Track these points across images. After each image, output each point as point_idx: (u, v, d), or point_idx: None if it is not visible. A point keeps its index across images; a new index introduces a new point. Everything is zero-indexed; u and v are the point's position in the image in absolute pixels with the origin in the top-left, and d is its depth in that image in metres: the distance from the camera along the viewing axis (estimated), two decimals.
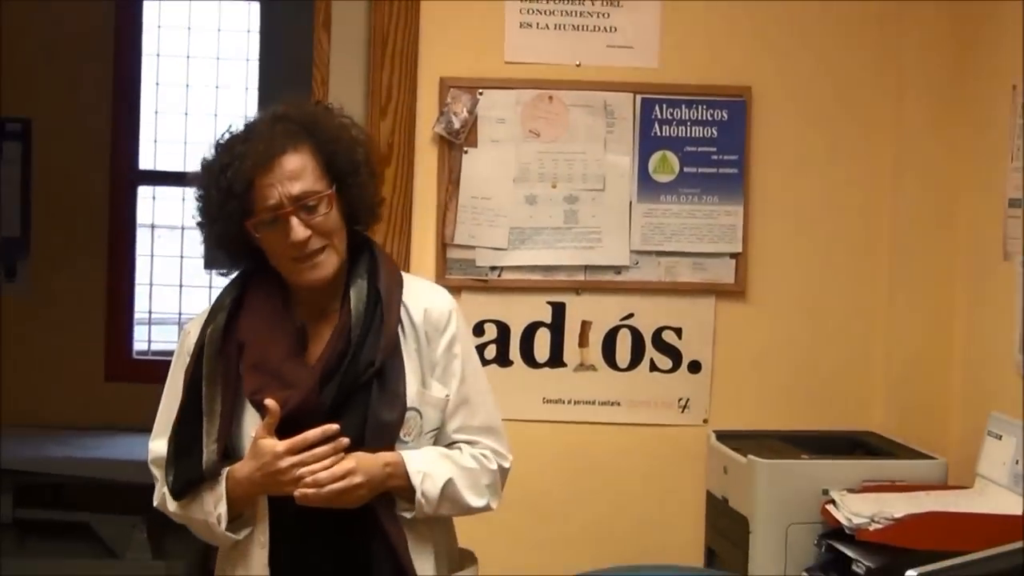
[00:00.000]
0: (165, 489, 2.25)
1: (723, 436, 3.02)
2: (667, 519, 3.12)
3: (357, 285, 2.22)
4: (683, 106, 3.10)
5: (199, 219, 2.25)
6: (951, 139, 3.10)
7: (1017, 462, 2.58)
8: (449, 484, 2.19)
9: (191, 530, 2.29)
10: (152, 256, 5.84)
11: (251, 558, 2.21)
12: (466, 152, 3.05)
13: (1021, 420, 2.62)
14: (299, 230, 2.13)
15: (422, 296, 2.29)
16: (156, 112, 5.77)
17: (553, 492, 3.11)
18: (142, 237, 5.80)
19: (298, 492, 2.09)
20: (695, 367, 3.14)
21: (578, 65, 3.08)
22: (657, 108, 3.09)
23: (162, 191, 5.82)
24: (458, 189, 3.06)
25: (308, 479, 2.09)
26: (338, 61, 3.10)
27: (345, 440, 2.11)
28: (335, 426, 2.11)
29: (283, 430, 2.14)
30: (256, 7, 5.50)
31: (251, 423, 2.18)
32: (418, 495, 2.16)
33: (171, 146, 5.76)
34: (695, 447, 3.10)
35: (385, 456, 2.16)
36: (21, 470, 5.00)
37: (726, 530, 2.91)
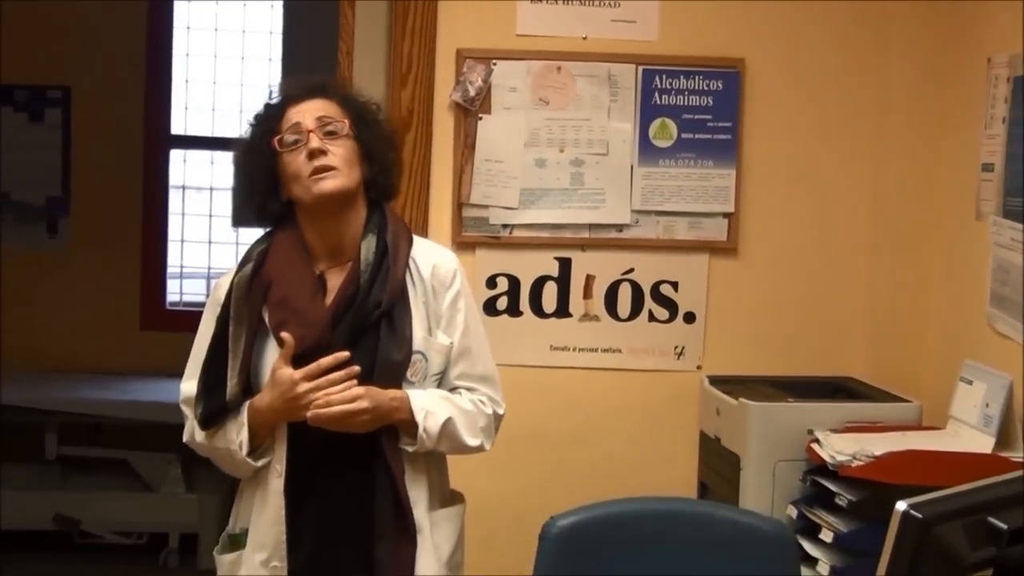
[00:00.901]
0: (194, 424, 2.30)
1: (715, 380, 3.03)
2: (663, 456, 3.13)
3: (367, 238, 2.29)
4: (681, 76, 3.09)
5: (236, 160, 2.34)
6: (930, 108, 3.09)
7: (987, 405, 2.60)
8: (449, 422, 2.25)
9: (214, 462, 2.35)
10: (183, 215, 5.84)
11: (268, 486, 2.26)
12: (480, 119, 3.04)
13: (991, 368, 2.64)
14: (316, 141, 2.23)
15: (430, 254, 2.36)
16: (186, 81, 5.74)
17: (559, 431, 3.13)
18: (174, 197, 5.79)
19: (310, 413, 2.15)
20: (690, 318, 3.15)
21: (584, 38, 3.06)
22: (657, 78, 3.08)
23: (192, 154, 5.79)
24: (473, 153, 3.05)
25: (320, 400, 2.15)
26: (361, 33, 3.07)
27: (356, 368, 2.17)
28: (346, 353, 2.18)
29: (299, 364, 2.21)
30: None
31: (270, 359, 2.24)
32: (420, 430, 2.22)
33: (200, 113, 5.74)
34: (689, 391, 3.11)
35: (392, 392, 2.22)
36: (64, 411, 5.02)
37: (718, 466, 2.93)
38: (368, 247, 2.26)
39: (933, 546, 1.47)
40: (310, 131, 2.23)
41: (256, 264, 2.29)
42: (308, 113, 2.26)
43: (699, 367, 3.14)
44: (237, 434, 2.24)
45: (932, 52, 3.08)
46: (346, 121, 2.27)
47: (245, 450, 2.23)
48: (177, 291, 5.85)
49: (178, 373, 5.47)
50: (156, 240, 5.70)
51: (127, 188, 5.58)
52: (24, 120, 5.49)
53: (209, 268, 5.87)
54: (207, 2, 5.74)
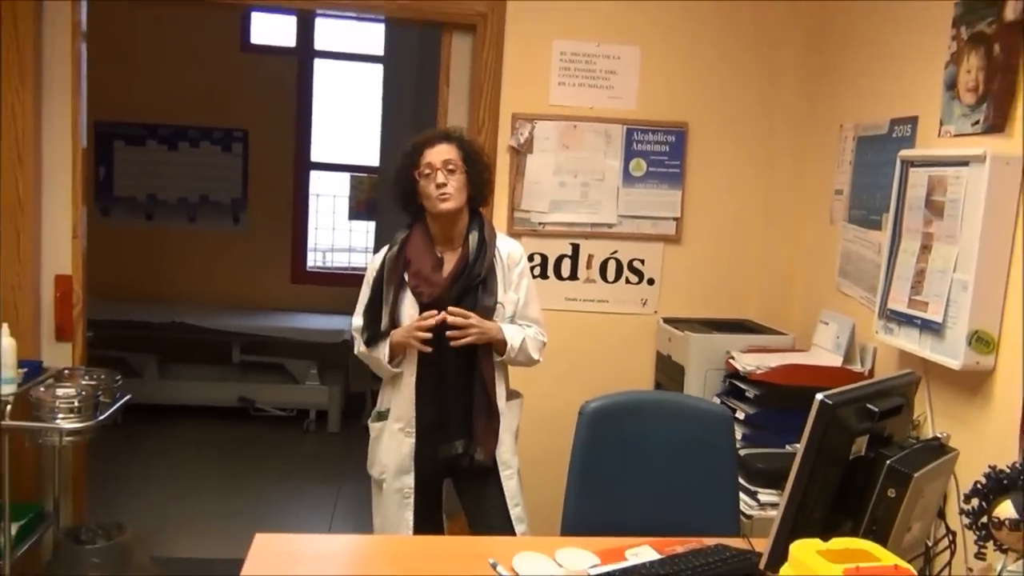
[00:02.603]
0: (362, 343, 2.33)
1: (668, 320, 3.08)
2: (633, 365, 3.17)
3: (473, 233, 2.30)
4: (649, 132, 3.10)
5: (392, 181, 2.33)
6: (803, 154, 3.12)
7: (838, 337, 2.66)
8: (523, 342, 2.30)
9: (371, 367, 2.35)
10: (317, 212, 5.78)
11: (404, 381, 2.30)
12: (527, 157, 3.06)
13: (839, 314, 2.70)
14: (440, 176, 2.23)
15: (506, 244, 2.38)
16: (320, 127, 5.71)
17: (569, 351, 3.16)
18: (311, 200, 5.75)
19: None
20: (651, 281, 3.17)
21: (591, 108, 3.08)
22: (635, 133, 3.10)
23: (323, 174, 5.74)
24: (523, 177, 3.06)
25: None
26: (452, 103, 3.08)
27: (443, 315, 2.20)
28: (442, 315, 2.20)
29: (426, 310, 2.24)
30: (379, 67, 5.45)
31: (405, 307, 2.27)
32: (509, 346, 2.26)
33: (329, 148, 5.71)
34: (650, 326, 3.15)
35: (494, 324, 2.27)
36: (245, 333, 5.05)
37: (669, 373, 2.98)
38: (474, 239, 2.29)
39: (836, 422, 1.50)
40: (437, 169, 2.24)
41: (399, 247, 2.31)
42: (437, 155, 2.26)
43: (656, 312, 3.17)
44: (384, 350, 2.28)
45: (805, 119, 3.10)
46: (460, 161, 2.28)
47: (386, 359, 2.27)
48: (313, 260, 5.82)
49: (315, 310, 5.48)
50: (300, 227, 5.66)
51: (283, 194, 5.55)
52: (218, 151, 5.45)
53: (332, 245, 5.85)
54: (334, 73, 5.69)
